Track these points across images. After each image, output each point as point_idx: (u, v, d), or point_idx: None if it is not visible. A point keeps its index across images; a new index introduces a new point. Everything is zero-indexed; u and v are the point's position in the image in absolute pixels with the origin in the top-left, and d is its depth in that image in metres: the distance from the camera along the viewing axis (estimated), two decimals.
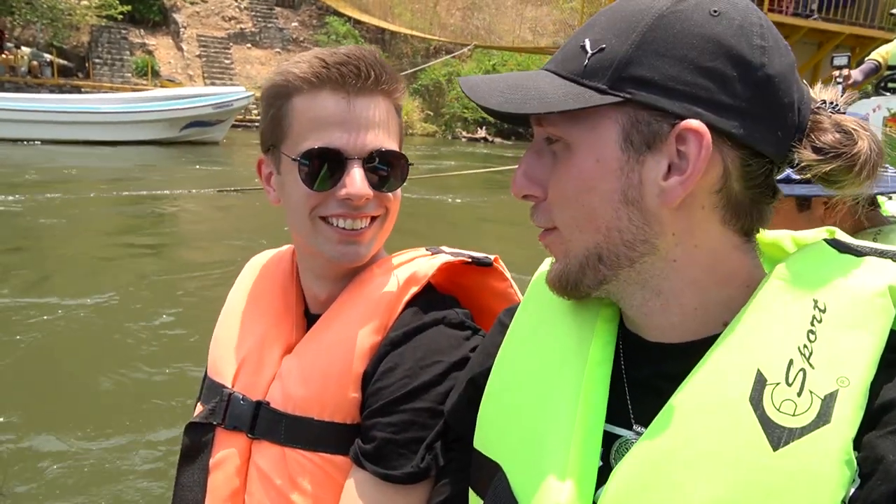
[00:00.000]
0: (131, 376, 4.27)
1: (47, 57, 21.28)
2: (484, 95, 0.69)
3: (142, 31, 24.19)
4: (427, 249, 1.12)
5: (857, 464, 0.57)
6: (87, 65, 22.65)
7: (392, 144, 1.02)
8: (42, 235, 7.44)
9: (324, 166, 0.97)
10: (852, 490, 0.57)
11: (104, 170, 12.53)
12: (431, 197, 11.10)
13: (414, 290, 1.03)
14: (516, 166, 0.74)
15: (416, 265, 1.06)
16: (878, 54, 6.06)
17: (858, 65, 6.81)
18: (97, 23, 22.61)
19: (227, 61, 24.67)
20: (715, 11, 0.64)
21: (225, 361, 1.10)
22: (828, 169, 0.65)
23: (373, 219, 1.03)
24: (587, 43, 0.67)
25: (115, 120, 15.34)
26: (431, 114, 26.36)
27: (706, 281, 0.69)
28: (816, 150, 0.66)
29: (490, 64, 25.55)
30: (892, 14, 5.96)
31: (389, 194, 1.03)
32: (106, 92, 19.84)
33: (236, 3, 26.79)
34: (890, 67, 5.93)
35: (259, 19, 26.68)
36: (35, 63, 20.87)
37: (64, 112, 15.43)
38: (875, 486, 0.55)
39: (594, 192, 0.67)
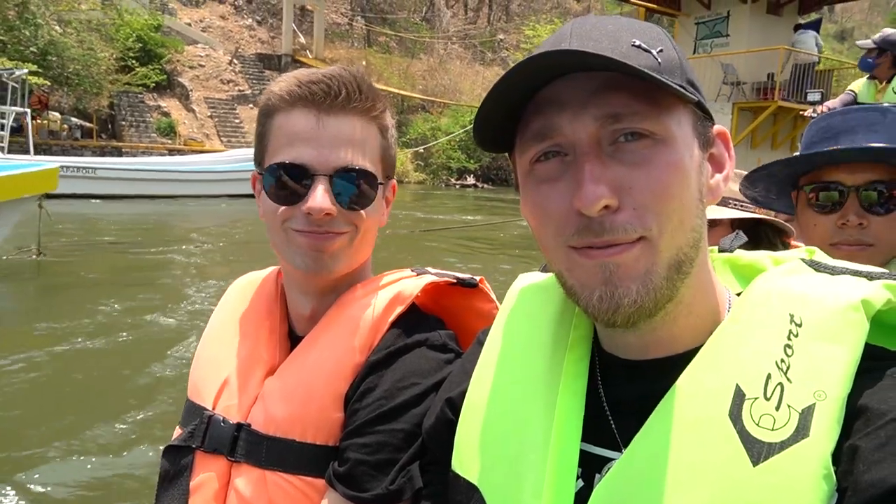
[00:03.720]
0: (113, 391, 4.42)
1: (74, 121, 22.55)
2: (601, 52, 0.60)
3: (154, 94, 25.77)
4: (412, 270, 1.12)
5: (836, 478, 0.57)
6: (110, 127, 24.01)
7: (364, 162, 1.01)
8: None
9: (290, 181, 0.99)
10: None
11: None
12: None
13: (398, 310, 1.04)
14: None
15: (401, 286, 1.07)
16: (856, 86, 6.53)
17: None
18: (118, 89, 24.13)
19: (236, 121, 26.72)
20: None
21: (206, 383, 1.10)
22: None
23: (340, 234, 1.02)
24: (640, 42, 0.64)
25: (234, 178, 17.58)
26: (422, 164, 29.76)
27: (707, 284, 0.70)
28: None
29: (467, 119, 29.34)
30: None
31: (361, 212, 1.03)
32: (143, 152, 21.71)
33: (230, 67, 28.96)
34: (858, 103, 6.12)
35: (253, 81, 28.94)
36: (66, 126, 22.11)
37: (202, 172, 18.14)
38: (848, 501, 0.56)
39: (691, 188, 0.65)
